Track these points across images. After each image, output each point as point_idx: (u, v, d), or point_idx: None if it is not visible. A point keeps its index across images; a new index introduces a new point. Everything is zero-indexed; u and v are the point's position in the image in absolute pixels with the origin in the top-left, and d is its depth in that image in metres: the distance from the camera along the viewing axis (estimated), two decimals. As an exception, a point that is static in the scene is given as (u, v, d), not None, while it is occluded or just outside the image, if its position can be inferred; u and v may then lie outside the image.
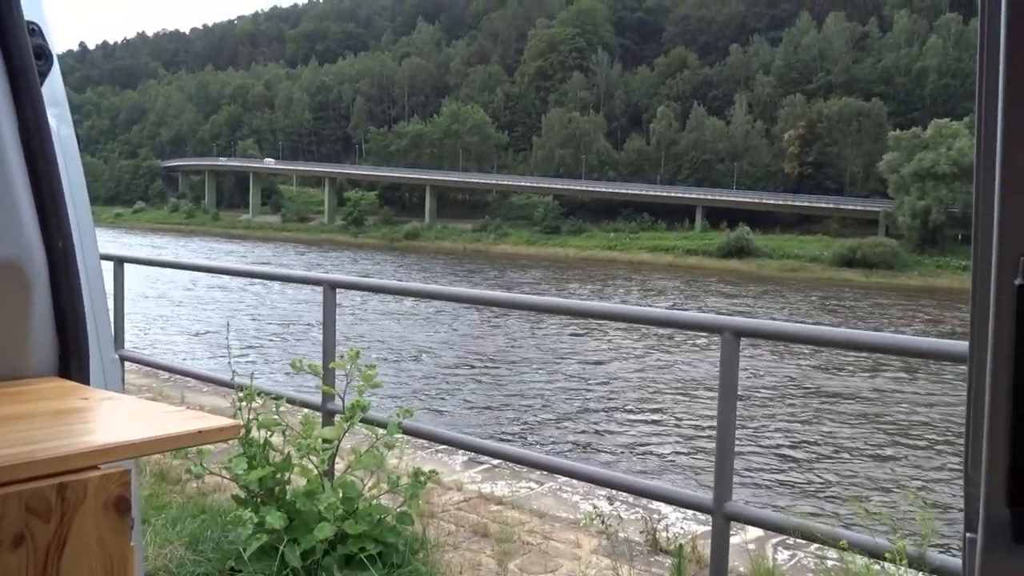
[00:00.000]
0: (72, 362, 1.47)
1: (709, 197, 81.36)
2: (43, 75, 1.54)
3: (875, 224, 70.89)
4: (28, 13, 1.46)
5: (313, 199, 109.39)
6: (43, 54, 1.55)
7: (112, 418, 1.33)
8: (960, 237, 61.31)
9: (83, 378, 1.47)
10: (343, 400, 4.22)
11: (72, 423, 1.26)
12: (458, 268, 60.88)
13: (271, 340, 25.81)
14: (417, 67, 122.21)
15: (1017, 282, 0.71)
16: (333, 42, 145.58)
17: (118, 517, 1.12)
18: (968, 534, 0.79)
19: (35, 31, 1.52)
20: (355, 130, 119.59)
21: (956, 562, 3.02)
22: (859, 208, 74.90)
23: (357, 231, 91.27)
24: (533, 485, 5.29)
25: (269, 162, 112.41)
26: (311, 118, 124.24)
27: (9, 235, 1.40)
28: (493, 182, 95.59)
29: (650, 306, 37.54)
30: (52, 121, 1.50)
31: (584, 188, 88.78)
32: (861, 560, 3.23)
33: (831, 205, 76.68)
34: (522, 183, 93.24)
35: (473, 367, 23.03)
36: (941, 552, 3.28)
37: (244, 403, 4.01)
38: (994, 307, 0.73)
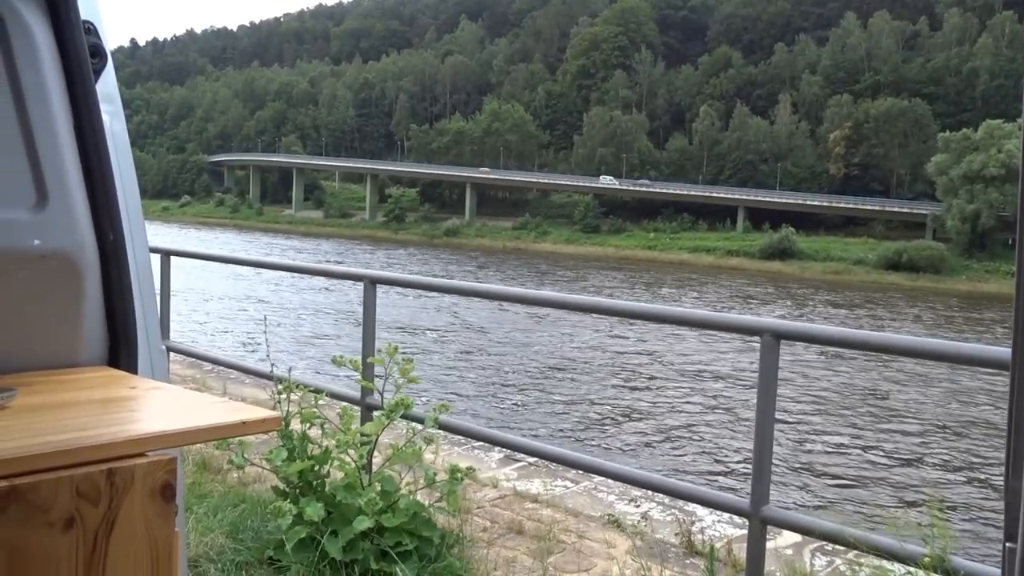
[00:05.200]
0: (121, 352, 1.51)
1: (752, 198, 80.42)
2: (97, 73, 1.58)
3: (922, 227, 69.49)
4: (84, 12, 1.51)
5: (355, 195, 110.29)
6: (98, 52, 1.59)
7: (159, 407, 1.36)
8: (1010, 242, 59.83)
9: (131, 367, 1.51)
10: (381, 395, 4.25)
11: (121, 411, 1.30)
12: (532, 271, 59.99)
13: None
14: (459, 65, 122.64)
15: None
16: (377, 40, 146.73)
17: (164, 503, 1.15)
18: (1008, 544, 0.77)
19: (90, 30, 1.56)
20: (397, 127, 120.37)
21: (993, 571, 2.96)
22: (905, 210, 73.49)
23: (398, 227, 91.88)
24: (568, 484, 5.29)
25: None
26: (354, 115, 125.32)
27: (63, 228, 1.44)
28: (534, 180, 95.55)
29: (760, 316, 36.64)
30: (105, 117, 1.54)
31: (625, 187, 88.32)
32: (900, 568, 3.17)
33: (877, 207, 75.41)
34: (563, 181, 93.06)
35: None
36: (976, 562, 3.20)
37: (284, 395, 4.07)
38: None
